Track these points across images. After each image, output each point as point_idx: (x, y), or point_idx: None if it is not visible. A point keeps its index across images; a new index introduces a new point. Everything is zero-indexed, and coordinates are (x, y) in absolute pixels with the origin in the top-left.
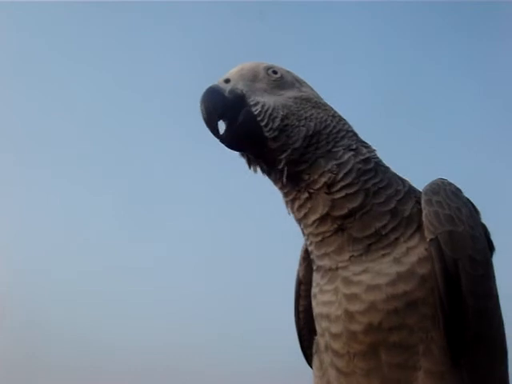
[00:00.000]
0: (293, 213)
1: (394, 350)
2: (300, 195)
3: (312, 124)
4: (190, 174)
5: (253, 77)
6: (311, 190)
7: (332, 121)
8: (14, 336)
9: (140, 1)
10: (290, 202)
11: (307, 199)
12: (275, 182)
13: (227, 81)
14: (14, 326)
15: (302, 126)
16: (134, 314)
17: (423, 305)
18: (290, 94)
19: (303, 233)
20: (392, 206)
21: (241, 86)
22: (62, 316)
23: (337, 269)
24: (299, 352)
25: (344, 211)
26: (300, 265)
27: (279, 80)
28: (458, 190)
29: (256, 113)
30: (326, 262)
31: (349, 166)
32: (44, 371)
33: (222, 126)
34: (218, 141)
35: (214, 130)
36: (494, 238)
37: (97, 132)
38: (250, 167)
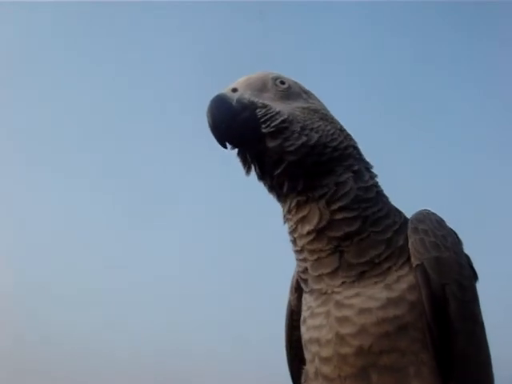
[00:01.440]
0: (289, 219)
1: (385, 372)
2: (298, 198)
3: (316, 135)
4: (192, 173)
5: (260, 87)
6: (310, 195)
7: (339, 135)
8: (15, 337)
9: (141, 1)
10: (287, 206)
11: (305, 203)
12: (271, 187)
13: (234, 90)
14: (15, 327)
15: (305, 135)
16: (134, 314)
17: (413, 329)
18: (298, 104)
19: (296, 250)
20: (388, 235)
21: (248, 96)
22: (62, 316)
23: (331, 293)
24: None
25: (340, 233)
26: (291, 294)
27: (286, 90)
28: (442, 220)
29: (259, 112)
30: (321, 286)
31: (346, 188)
32: (44, 371)
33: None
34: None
35: (221, 140)
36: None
37: (98, 132)
38: (244, 168)
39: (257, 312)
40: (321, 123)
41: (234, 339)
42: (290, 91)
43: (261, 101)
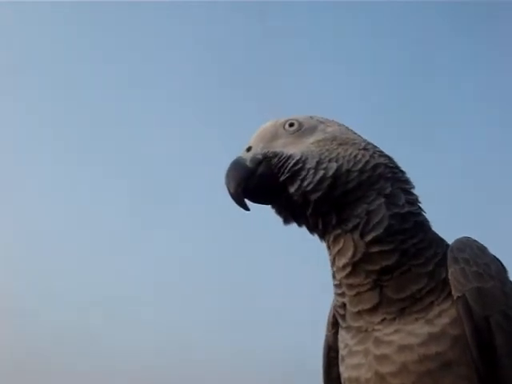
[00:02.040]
0: (329, 254)
1: None
2: (335, 232)
3: (335, 165)
4: (193, 174)
5: (271, 137)
6: (344, 227)
7: (364, 155)
8: (15, 337)
9: (143, 1)
10: (327, 242)
11: (340, 235)
12: (310, 229)
13: (249, 149)
14: (15, 327)
15: (322, 168)
16: (135, 314)
17: (457, 365)
18: (313, 139)
19: (335, 284)
20: (430, 268)
21: (260, 150)
22: (63, 316)
23: (371, 330)
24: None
25: (377, 267)
26: (328, 330)
27: (298, 130)
28: (484, 247)
29: (273, 162)
30: (360, 324)
31: (379, 216)
32: (44, 373)
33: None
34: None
35: (241, 204)
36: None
37: (101, 133)
38: (282, 220)
39: (260, 312)
40: (340, 150)
41: (234, 339)
42: (302, 129)
43: (271, 150)
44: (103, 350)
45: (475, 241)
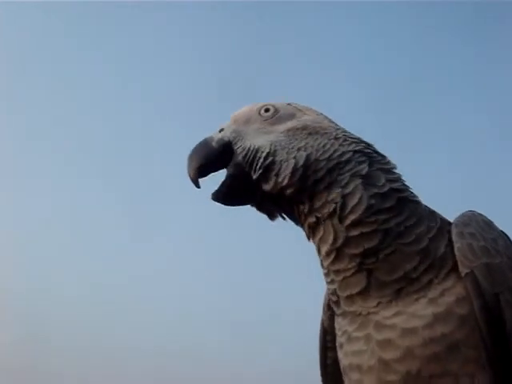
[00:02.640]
0: (314, 243)
1: None
2: (309, 220)
3: (304, 154)
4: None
5: (245, 120)
6: (318, 215)
7: (333, 144)
8: (15, 339)
9: (143, 1)
10: (307, 232)
11: (315, 224)
12: (292, 220)
13: (221, 130)
14: (15, 327)
15: (292, 158)
16: (135, 314)
17: (465, 347)
18: (284, 127)
19: (324, 273)
20: (423, 245)
21: (229, 134)
22: (63, 317)
23: (368, 314)
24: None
25: (359, 250)
26: (324, 313)
27: (272, 116)
28: (491, 221)
29: (241, 159)
30: (355, 308)
31: (356, 198)
32: (44, 373)
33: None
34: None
35: (195, 184)
36: None
37: (100, 133)
38: (270, 219)
39: (262, 312)
40: (309, 140)
41: (234, 340)
42: (276, 116)
43: (240, 143)
44: (103, 349)
45: (481, 214)
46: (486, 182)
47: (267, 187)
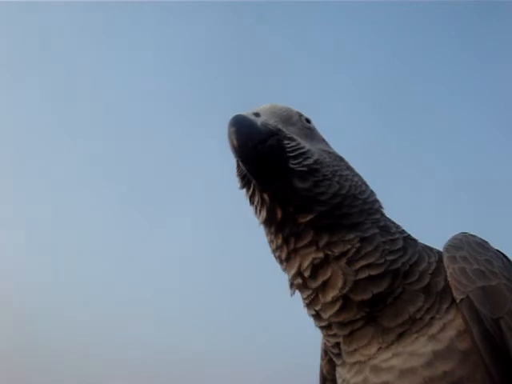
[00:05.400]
0: (301, 286)
1: None
2: (315, 255)
3: (347, 184)
4: (192, 182)
5: (286, 118)
6: (328, 252)
7: (367, 189)
8: (14, 338)
9: (142, 1)
10: (296, 266)
11: (324, 263)
12: (287, 237)
13: (257, 114)
14: (15, 327)
15: (336, 181)
16: (135, 314)
17: (470, 383)
18: (321, 146)
19: (321, 326)
20: (426, 282)
21: (273, 123)
22: (63, 317)
23: (367, 359)
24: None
25: (367, 296)
26: (322, 359)
27: (312, 130)
28: (484, 241)
29: (288, 146)
30: (356, 359)
31: (373, 245)
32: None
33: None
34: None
35: (248, 160)
36: None
37: (100, 133)
38: (254, 206)
39: (263, 312)
40: (348, 172)
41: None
42: (314, 132)
43: (289, 133)
44: (106, 351)
45: (473, 235)
46: (485, 182)
47: (300, 185)
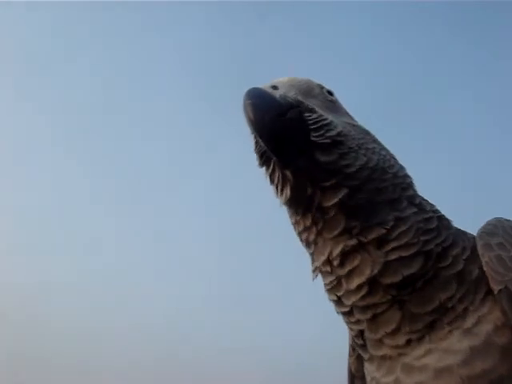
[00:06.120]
0: (326, 272)
1: None
2: (347, 242)
3: (375, 157)
4: (193, 180)
5: (306, 90)
6: (362, 238)
7: (395, 163)
8: (13, 337)
9: (143, 1)
10: (327, 254)
11: (354, 250)
12: (312, 223)
13: (274, 87)
14: (14, 328)
15: (363, 154)
16: (135, 315)
17: (510, 381)
18: (345, 119)
19: (343, 312)
20: (459, 268)
21: (293, 95)
22: (63, 317)
23: (397, 355)
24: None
25: (397, 278)
26: (350, 356)
27: (334, 103)
28: None
29: (309, 118)
30: (383, 351)
31: (408, 224)
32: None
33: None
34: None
35: (265, 134)
36: None
37: (99, 133)
38: (276, 188)
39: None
40: (375, 145)
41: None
42: (337, 104)
43: (310, 104)
44: (106, 352)
45: (508, 220)
46: (487, 181)
47: (324, 158)
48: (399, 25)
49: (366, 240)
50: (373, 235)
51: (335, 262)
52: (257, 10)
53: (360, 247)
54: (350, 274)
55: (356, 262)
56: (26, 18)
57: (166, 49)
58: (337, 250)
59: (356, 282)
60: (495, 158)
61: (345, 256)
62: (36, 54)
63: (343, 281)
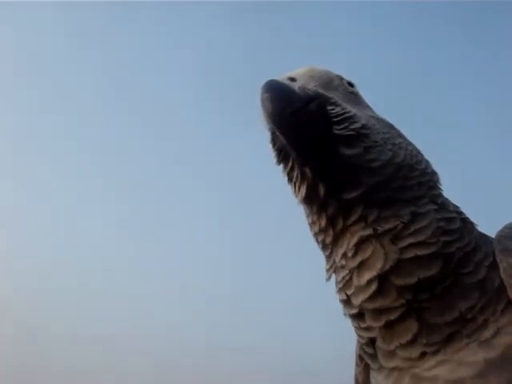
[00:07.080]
0: (341, 267)
1: None
2: (363, 232)
3: (402, 153)
4: (194, 172)
5: (326, 82)
6: (379, 228)
7: (423, 158)
8: (15, 338)
9: (143, 1)
10: (344, 247)
11: (368, 240)
12: (332, 216)
13: (292, 79)
14: (15, 329)
15: (389, 149)
16: (135, 316)
17: None
18: (368, 112)
19: (352, 314)
20: (481, 275)
21: (312, 87)
22: (62, 318)
23: (408, 368)
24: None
25: (412, 280)
26: (357, 365)
27: (355, 94)
28: None
29: (332, 111)
30: (395, 363)
31: (426, 221)
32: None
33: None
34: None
35: (284, 128)
36: None
37: (98, 133)
38: (293, 184)
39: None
40: (401, 140)
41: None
42: (358, 96)
43: (332, 96)
44: (105, 352)
45: None
46: (487, 181)
47: (348, 151)
48: (399, 25)
49: (380, 229)
50: (389, 225)
51: (350, 253)
52: (258, 9)
53: (374, 238)
54: (360, 267)
55: (368, 253)
56: (26, 18)
57: (170, 48)
58: (353, 241)
59: (366, 276)
60: (495, 158)
61: (358, 246)
62: (41, 53)
63: (354, 275)
